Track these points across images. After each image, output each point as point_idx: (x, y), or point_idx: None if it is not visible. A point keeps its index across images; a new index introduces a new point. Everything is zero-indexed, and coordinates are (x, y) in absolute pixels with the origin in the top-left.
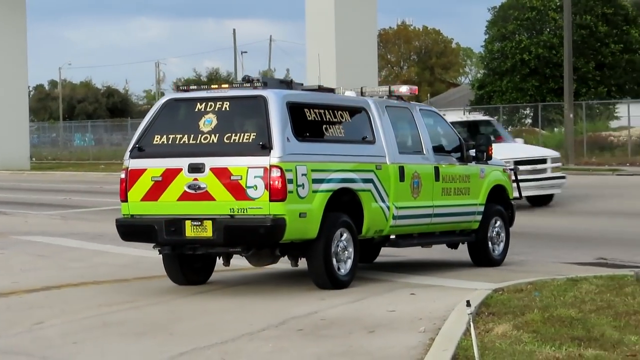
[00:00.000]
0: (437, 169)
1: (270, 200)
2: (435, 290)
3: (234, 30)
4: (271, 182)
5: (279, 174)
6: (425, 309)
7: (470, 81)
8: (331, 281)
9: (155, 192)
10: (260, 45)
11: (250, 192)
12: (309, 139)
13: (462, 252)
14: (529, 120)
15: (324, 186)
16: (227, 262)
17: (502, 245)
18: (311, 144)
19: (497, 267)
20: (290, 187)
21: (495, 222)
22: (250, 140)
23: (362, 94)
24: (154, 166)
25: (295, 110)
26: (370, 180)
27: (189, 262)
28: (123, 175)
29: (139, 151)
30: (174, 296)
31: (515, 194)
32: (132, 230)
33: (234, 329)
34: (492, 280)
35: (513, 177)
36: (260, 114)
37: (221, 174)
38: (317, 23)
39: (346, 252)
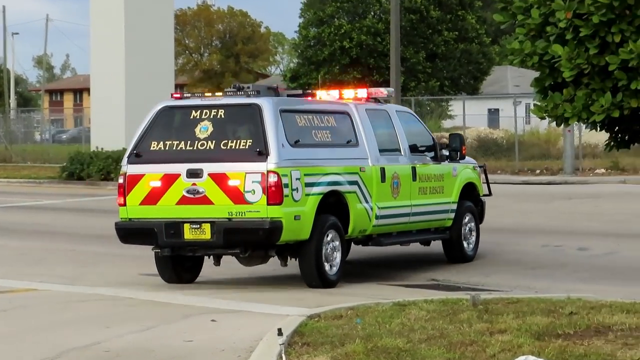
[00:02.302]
0: (414, 169)
1: (268, 204)
2: (239, 316)
3: (4, 7)
4: (268, 187)
5: (275, 179)
6: (229, 338)
7: (282, 72)
8: (322, 280)
9: (154, 196)
10: (34, 25)
11: (248, 196)
12: (300, 145)
13: (271, 265)
14: None
15: (315, 189)
16: (217, 262)
17: (474, 240)
18: (303, 149)
19: (314, 290)
20: (286, 191)
21: (468, 219)
22: (247, 147)
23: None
24: (153, 171)
25: (288, 117)
26: (355, 182)
27: (180, 261)
28: (121, 181)
29: (137, 157)
30: None
31: (486, 191)
32: (132, 232)
33: None
34: (307, 304)
35: (483, 175)
36: (255, 122)
37: (219, 179)
38: (103, 0)
39: (335, 252)
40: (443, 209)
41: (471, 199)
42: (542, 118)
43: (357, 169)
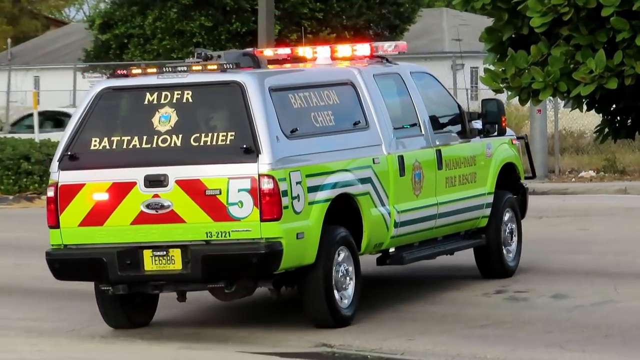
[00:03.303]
0: (439, 153)
1: (262, 220)
2: None
3: None
4: (262, 197)
5: (271, 185)
6: None
7: (86, 17)
8: (334, 317)
9: (99, 214)
10: None
11: (234, 211)
12: (298, 135)
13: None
14: None
15: (320, 195)
16: (183, 298)
17: (515, 247)
18: (302, 141)
19: None
20: (285, 200)
21: (508, 217)
22: (228, 142)
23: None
24: (96, 180)
25: (279, 98)
26: (368, 180)
27: (130, 299)
28: (51, 194)
29: (72, 160)
30: None
31: (527, 173)
32: (72, 265)
33: None
34: None
35: (523, 150)
36: (238, 107)
37: (191, 187)
38: None
39: (347, 277)
40: (476, 204)
41: (510, 187)
42: (498, 91)
43: (370, 161)
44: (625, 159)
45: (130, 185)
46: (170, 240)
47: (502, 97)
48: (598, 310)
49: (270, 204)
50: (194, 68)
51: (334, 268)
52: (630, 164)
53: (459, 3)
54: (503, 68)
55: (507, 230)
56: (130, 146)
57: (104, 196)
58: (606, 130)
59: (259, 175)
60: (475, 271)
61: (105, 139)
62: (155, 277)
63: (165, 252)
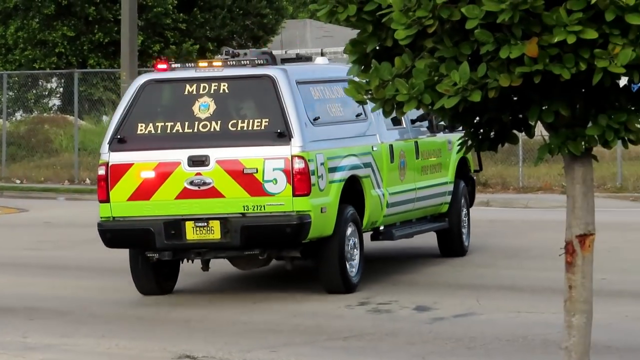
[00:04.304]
0: (416, 144)
1: (294, 195)
2: None
3: None
4: (294, 175)
5: (302, 165)
6: None
7: None
8: (345, 284)
9: (146, 190)
10: None
11: (269, 187)
12: (320, 123)
13: None
14: (56, 102)
15: (337, 175)
16: (207, 267)
17: (467, 230)
18: (322, 128)
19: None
20: (312, 179)
21: (463, 203)
22: (263, 127)
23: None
24: (143, 160)
25: (304, 90)
26: (369, 165)
27: (159, 267)
28: (102, 172)
29: (120, 143)
30: None
31: (476, 166)
32: (122, 235)
33: None
34: None
35: None
36: (270, 97)
37: (230, 166)
38: None
39: (354, 250)
40: (441, 191)
41: (463, 178)
42: (362, 102)
43: (370, 148)
44: (487, 171)
45: (175, 165)
46: (210, 213)
47: (367, 108)
48: (461, 322)
49: (301, 181)
50: (231, 63)
51: (345, 241)
52: (492, 176)
53: (323, 14)
54: (367, 80)
55: (463, 215)
56: (174, 131)
57: (150, 174)
58: (469, 141)
59: (292, 156)
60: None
61: (150, 125)
62: (196, 245)
63: (206, 223)
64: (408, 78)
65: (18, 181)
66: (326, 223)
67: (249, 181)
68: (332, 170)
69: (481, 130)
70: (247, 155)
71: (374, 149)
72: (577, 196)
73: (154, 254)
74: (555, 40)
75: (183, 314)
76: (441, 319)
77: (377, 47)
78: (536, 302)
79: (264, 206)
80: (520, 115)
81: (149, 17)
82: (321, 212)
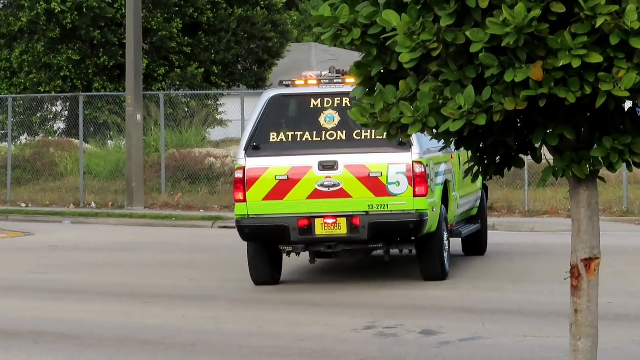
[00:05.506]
0: (459, 155)
1: (414, 196)
2: None
3: None
4: (415, 178)
5: (422, 169)
6: None
7: None
8: (442, 272)
9: (280, 191)
10: None
11: (392, 189)
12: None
13: None
14: (61, 125)
15: (439, 179)
16: (313, 260)
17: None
18: (426, 138)
19: None
20: (428, 182)
21: (484, 206)
22: (385, 137)
23: None
24: (277, 165)
25: None
26: (450, 171)
27: (273, 260)
28: (240, 175)
29: (255, 150)
30: None
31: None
32: (260, 230)
33: None
34: None
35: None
36: None
37: (357, 170)
38: None
39: (446, 244)
40: (477, 196)
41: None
42: (367, 126)
43: (449, 157)
44: (493, 195)
45: (306, 169)
46: (338, 212)
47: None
48: (467, 346)
49: (421, 183)
50: (347, 81)
51: (443, 236)
52: (498, 200)
53: (328, 38)
54: (372, 103)
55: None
56: (304, 139)
57: (284, 177)
58: (475, 167)
59: (413, 162)
60: (340, 307)
61: (282, 134)
62: (325, 239)
63: (334, 220)
64: (413, 101)
65: (23, 205)
66: (434, 221)
67: (374, 183)
68: (436, 174)
69: (487, 155)
70: (372, 161)
71: (452, 157)
72: (582, 220)
73: (287, 248)
74: (561, 64)
75: (188, 338)
76: (447, 343)
77: (382, 70)
78: (542, 325)
79: (387, 205)
80: (527, 140)
81: (154, 40)
82: (432, 210)
